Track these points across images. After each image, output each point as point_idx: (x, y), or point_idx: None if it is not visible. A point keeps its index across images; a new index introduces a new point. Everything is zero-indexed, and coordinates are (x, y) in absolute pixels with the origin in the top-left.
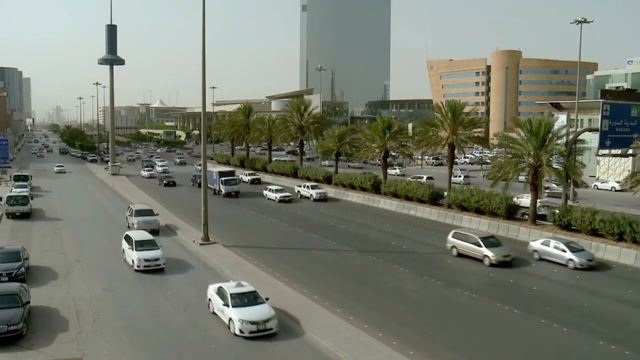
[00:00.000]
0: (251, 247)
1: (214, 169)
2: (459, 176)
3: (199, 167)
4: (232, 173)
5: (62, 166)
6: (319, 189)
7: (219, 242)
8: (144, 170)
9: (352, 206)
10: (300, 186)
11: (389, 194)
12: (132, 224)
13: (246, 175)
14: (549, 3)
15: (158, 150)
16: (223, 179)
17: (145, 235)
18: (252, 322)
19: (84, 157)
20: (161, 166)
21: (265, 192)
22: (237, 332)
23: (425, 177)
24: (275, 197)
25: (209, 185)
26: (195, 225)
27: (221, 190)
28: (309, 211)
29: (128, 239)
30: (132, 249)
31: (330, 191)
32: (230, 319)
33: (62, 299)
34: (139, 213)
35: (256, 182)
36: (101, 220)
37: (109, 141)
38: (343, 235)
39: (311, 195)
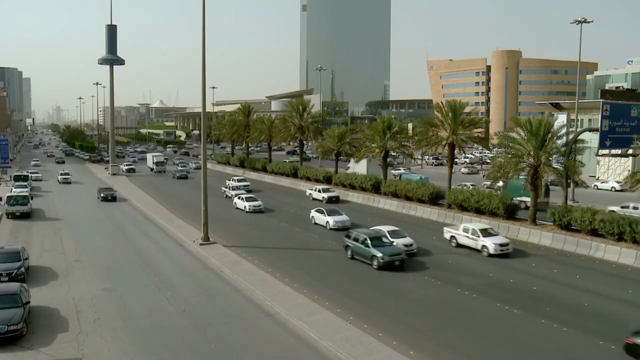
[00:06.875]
0: (251, 247)
1: None
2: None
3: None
4: None
5: None
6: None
7: (218, 242)
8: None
9: (353, 206)
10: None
11: (389, 194)
12: None
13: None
14: (549, 3)
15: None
16: None
17: None
18: None
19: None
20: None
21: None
22: None
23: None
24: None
25: None
26: (195, 225)
27: None
28: (308, 211)
29: None
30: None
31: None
32: None
33: (62, 299)
34: None
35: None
36: (101, 220)
37: (109, 141)
38: (342, 235)
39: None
